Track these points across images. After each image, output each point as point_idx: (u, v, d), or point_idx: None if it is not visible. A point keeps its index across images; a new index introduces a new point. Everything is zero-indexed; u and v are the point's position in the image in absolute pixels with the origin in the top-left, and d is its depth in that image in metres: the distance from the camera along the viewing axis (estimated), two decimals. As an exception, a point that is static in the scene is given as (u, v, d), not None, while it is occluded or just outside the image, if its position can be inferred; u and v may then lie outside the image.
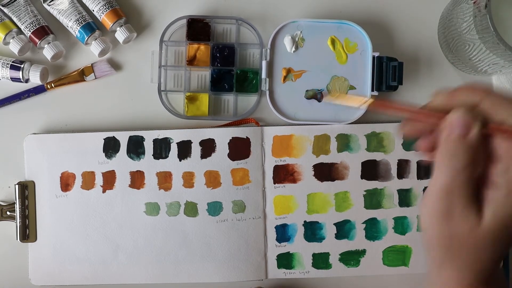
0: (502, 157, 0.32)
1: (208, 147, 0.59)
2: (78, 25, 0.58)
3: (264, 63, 0.59)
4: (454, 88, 0.34)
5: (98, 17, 0.59)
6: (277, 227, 0.59)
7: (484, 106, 0.32)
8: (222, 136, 0.59)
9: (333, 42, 0.59)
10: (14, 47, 0.58)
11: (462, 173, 0.32)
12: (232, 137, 0.59)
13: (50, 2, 0.59)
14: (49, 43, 0.58)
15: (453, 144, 0.32)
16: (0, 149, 0.60)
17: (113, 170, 0.59)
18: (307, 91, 0.59)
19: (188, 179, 0.59)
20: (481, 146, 0.32)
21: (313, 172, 0.59)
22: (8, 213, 0.59)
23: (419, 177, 0.60)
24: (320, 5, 0.61)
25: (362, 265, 0.59)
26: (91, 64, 0.60)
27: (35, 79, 0.58)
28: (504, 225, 0.32)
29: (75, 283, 0.59)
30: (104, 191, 0.59)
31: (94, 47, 0.59)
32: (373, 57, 0.58)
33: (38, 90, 0.60)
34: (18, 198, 0.58)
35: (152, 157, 0.59)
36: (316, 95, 0.58)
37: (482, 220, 0.32)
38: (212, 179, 0.59)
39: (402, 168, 0.60)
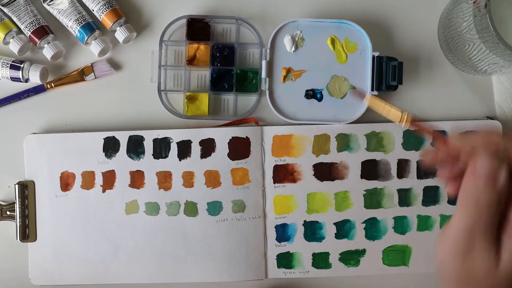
0: None
1: (208, 146, 0.59)
2: (78, 24, 0.58)
3: (264, 63, 0.59)
4: (472, 133, 0.35)
5: (98, 17, 0.59)
6: (277, 227, 0.59)
7: (507, 149, 0.33)
8: (222, 136, 0.59)
9: (333, 41, 0.59)
10: (14, 46, 0.58)
11: (486, 216, 0.32)
12: (232, 137, 0.59)
13: (50, 1, 0.59)
14: (49, 42, 0.58)
15: (481, 189, 0.33)
16: (0, 149, 0.60)
17: (113, 170, 0.59)
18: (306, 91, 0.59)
19: (188, 179, 0.59)
20: (506, 190, 0.33)
21: (313, 172, 0.59)
22: (8, 212, 0.59)
23: (419, 177, 0.60)
24: (320, 4, 0.61)
25: (362, 265, 0.59)
26: (91, 63, 0.60)
27: (35, 79, 0.58)
28: None
29: (75, 283, 0.59)
30: (104, 191, 0.59)
31: (94, 47, 0.59)
32: (373, 57, 0.58)
33: (38, 90, 0.60)
34: (18, 198, 0.58)
35: (152, 156, 0.59)
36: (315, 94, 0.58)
37: (499, 264, 0.32)
38: (212, 179, 0.59)
39: (402, 167, 0.60)
